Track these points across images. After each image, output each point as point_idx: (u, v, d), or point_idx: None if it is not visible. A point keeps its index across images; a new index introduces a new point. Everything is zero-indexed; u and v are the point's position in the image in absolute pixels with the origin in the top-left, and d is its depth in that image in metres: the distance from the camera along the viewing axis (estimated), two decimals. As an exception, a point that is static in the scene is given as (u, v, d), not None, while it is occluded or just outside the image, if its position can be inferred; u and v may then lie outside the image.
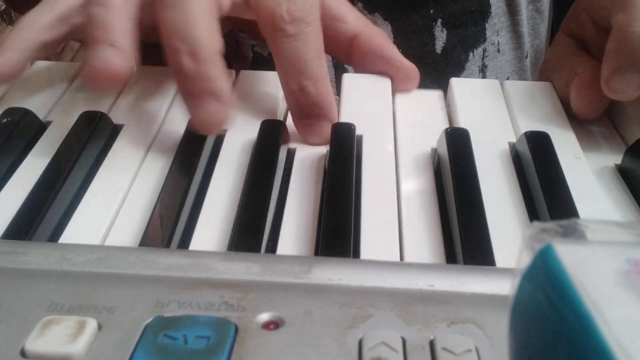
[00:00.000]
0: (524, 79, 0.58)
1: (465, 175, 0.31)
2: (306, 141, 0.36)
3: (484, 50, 0.53)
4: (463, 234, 0.28)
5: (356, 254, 0.28)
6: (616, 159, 0.35)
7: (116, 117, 0.37)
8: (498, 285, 0.23)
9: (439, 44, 0.52)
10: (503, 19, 0.53)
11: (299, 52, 0.34)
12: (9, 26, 1.07)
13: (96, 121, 0.35)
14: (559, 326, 0.14)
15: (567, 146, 0.35)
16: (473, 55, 0.52)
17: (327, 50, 0.43)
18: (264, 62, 0.52)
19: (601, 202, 0.32)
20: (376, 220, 0.30)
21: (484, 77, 0.54)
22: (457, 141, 0.34)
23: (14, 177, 0.32)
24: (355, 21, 0.41)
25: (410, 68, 0.40)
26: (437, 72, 0.52)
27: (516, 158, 0.35)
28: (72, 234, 0.29)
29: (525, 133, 0.35)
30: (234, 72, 0.42)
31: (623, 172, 0.34)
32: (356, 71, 0.43)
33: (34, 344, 0.20)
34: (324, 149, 0.35)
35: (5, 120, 0.35)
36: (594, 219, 0.16)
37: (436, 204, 0.31)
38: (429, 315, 0.22)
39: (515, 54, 0.55)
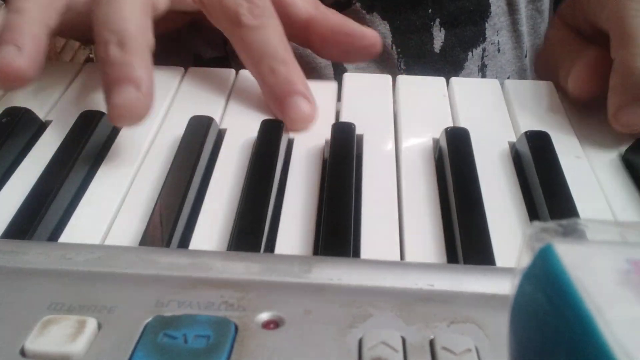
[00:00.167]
0: (524, 79, 0.57)
1: (466, 175, 0.31)
2: (286, 123, 0.36)
3: (484, 50, 0.53)
4: (463, 234, 0.28)
5: (356, 253, 0.28)
6: (621, 149, 0.35)
7: (116, 117, 0.37)
8: (498, 285, 0.23)
9: (438, 44, 0.52)
10: (503, 18, 0.53)
11: (265, 40, 0.36)
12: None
13: (96, 121, 0.35)
14: (559, 326, 0.14)
15: (567, 146, 0.35)
16: (472, 55, 0.52)
17: (287, 37, 0.43)
18: None
19: (602, 202, 0.32)
20: (376, 220, 0.30)
21: (483, 76, 0.54)
22: (457, 141, 0.34)
23: (14, 176, 0.32)
24: (305, 4, 0.41)
25: (371, 34, 0.40)
26: (435, 71, 0.52)
27: (516, 158, 0.35)
28: (72, 233, 0.29)
29: (526, 132, 0.35)
30: (234, 71, 0.42)
31: (628, 164, 0.34)
32: (320, 55, 0.43)
33: (33, 344, 0.20)
34: (322, 140, 0.35)
35: (5, 120, 0.35)
36: (594, 219, 0.16)
37: (437, 203, 0.31)
38: (429, 315, 0.22)
39: (515, 54, 0.55)
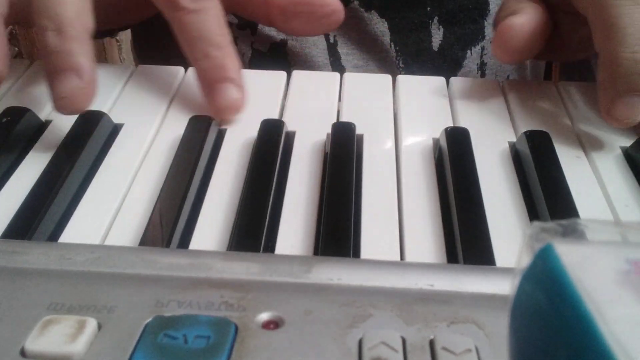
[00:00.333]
0: (524, 77, 0.58)
1: (466, 174, 0.31)
2: (214, 109, 0.35)
3: (483, 48, 0.53)
4: (463, 234, 0.28)
5: (356, 253, 0.28)
6: (622, 147, 0.35)
7: (116, 117, 0.37)
8: (498, 285, 0.23)
9: (436, 42, 0.52)
10: None
11: (202, 24, 0.36)
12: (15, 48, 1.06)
13: (96, 121, 0.35)
14: (559, 326, 0.14)
15: (567, 145, 0.36)
16: (471, 53, 0.52)
17: (248, 15, 0.44)
18: (263, 59, 0.52)
19: (602, 201, 0.32)
20: (376, 220, 0.30)
21: (483, 74, 0.54)
22: (457, 141, 0.34)
23: (14, 176, 0.32)
24: None
25: (332, 1, 0.40)
26: (434, 69, 0.52)
27: (516, 157, 0.35)
28: (71, 233, 0.29)
29: (526, 132, 0.35)
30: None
31: (631, 160, 0.34)
32: (283, 30, 0.42)
33: (33, 344, 0.20)
34: (323, 135, 0.35)
35: (5, 119, 0.35)
36: (594, 219, 0.16)
37: (437, 203, 0.31)
38: (429, 315, 0.22)
39: None
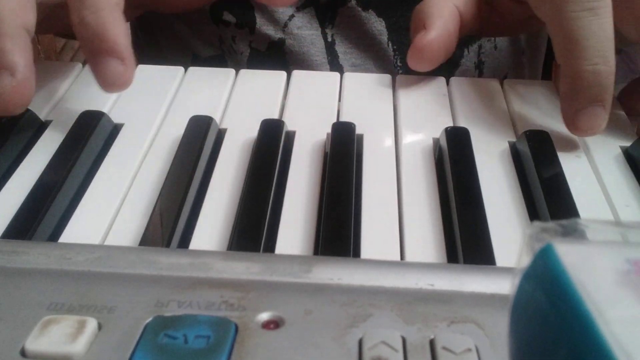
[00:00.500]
0: (521, 76, 0.57)
1: (466, 174, 0.31)
2: (101, 87, 0.32)
3: (480, 47, 0.53)
4: (463, 234, 0.28)
5: (356, 253, 0.28)
6: (622, 146, 0.35)
7: (116, 117, 0.37)
8: (498, 284, 0.23)
9: None
10: None
11: None
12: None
13: (96, 121, 0.35)
14: (559, 326, 0.14)
15: (567, 145, 0.36)
16: (468, 52, 0.52)
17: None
18: (261, 58, 0.52)
19: (602, 201, 0.32)
20: (376, 220, 0.30)
21: (480, 73, 0.54)
22: (457, 140, 0.34)
23: (14, 176, 0.32)
24: None
25: None
26: None
27: (516, 157, 0.35)
28: (72, 233, 0.29)
29: (526, 132, 0.35)
30: (234, 71, 0.42)
31: (631, 158, 0.34)
32: None
33: (33, 344, 0.20)
34: (323, 135, 0.35)
35: (5, 119, 0.35)
36: (594, 219, 0.16)
37: (437, 203, 0.31)
38: (429, 315, 0.22)
39: (512, 50, 0.55)
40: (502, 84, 0.42)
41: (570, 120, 0.34)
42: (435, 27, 0.37)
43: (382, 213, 0.30)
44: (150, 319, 0.21)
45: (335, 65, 0.51)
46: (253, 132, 0.35)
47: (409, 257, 0.28)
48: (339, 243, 0.27)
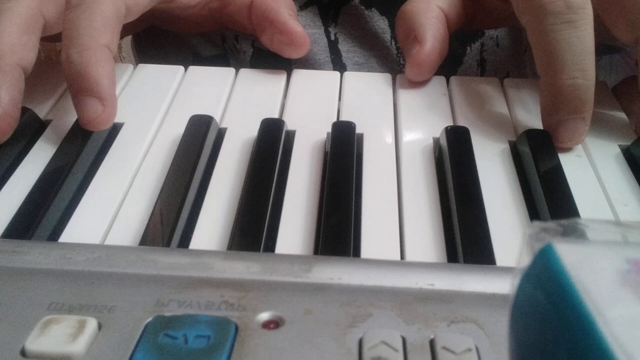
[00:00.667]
0: (524, 74, 0.57)
1: (466, 173, 0.31)
2: (81, 125, 0.33)
3: (482, 45, 0.53)
4: (463, 233, 0.28)
5: (356, 253, 0.28)
6: (622, 146, 0.35)
7: (116, 117, 0.37)
8: (498, 284, 0.23)
9: None
10: None
11: (74, 21, 0.32)
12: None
13: (96, 120, 0.35)
14: (559, 326, 0.14)
15: (567, 145, 0.35)
16: (470, 49, 0.52)
17: (239, 28, 0.44)
18: (264, 57, 0.52)
19: (602, 201, 0.32)
20: (377, 219, 0.30)
21: (482, 71, 0.54)
22: (458, 139, 0.34)
23: (14, 176, 0.32)
24: None
25: (295, 32, 0.40)
26: None
27: (516, 157, 0.35)
28: (72, 233, 0.29)
29: (526, 131, 0.35)
30: (234, 70, 0.42)
31: (632, 157, 0.34)
32: (261, 42, 0.42)
33: (34, 344, 0.20)
34: (323, 135, 0.35)
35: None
36: (594, 219, 0.16)
37: (437, 203, 0.31)
38: (429, 315, 0.22)
39: (514, 49, 0.55)
40: (502, 83, 0.41)
41: (551, 132, 0.35)
42: (428, 39, 0.38)
43: (382, 213, 0.30)
44: (150, 318, 0.21)
45: (338, 63, 0.51)
46: (253, 131, 0.35)
47: (409, 257, 0.28)
48: (339, 243, 0.27)
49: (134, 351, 0.20)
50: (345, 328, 0.21)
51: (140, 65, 0.42)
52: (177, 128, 0.35)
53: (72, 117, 0.35)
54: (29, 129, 0.35)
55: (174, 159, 0.33)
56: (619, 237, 0.16)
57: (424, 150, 0.35)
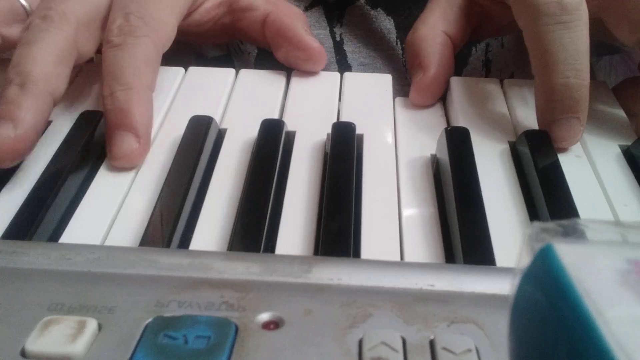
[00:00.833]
0: (528, 75, 0.57)
1: (466, 174, 0.31)
2: (110, 159, 0.33)
3: (487, 45, 0.53)
4: (463, 234, 0.28)
5: (356, 253, 0.28)
6: (622, 146, 0.36)
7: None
8: (498, 285, 0.23)
9: None
10: None
11: (118, 60, 0.34)
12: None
13: (96, 121, 0.35)
14: (559, 326, 0.14)
15: (567, 145, 0.35)
16: (476, 50, 0.52)
17: (252, 41, 0.45)
18: (268, 58, 0.52)
19: (602, 201, 0.32)
20: (376, 220, 0.30)
21: (487, 72, 0.53)
22: (457, 140, 0.34)
23: (14, 177, 0.32)
24: (264, 5, 0.42)
25: (313, 49, 0.40)
26: None
27: (516, 157, 0.35)
28: (72, 233, 0.29)
29: (525, 132, 0.35)
30: (234, 71, 0.42)
31: (632, 157, 0.34)
32: (276, 58, 0.43)
33: (34, 344, 0.20)
34: (323, 135, 0.35)
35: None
36: (594, 219, 0.16)
37: (436, 204, 0.31)
38: (429, 315, 0.22)
39: (519, 50, 0.55)
40: (502, 84, 0.42)
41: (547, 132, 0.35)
42: (432, 66, 0.39)
43: (382, 213, 0.30)
44: (150, 319, 0.21)
45: (343, 64, 0.51)
46: (253, 132, 0.35)
47: (408, 258, 0.28)
48: (339, 243, 0.27)
49: (134, 352, 0.20)
50: (345, 328, 0.21)
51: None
52: (177, 129, 0.35)
53: (73, 118, 0.35)
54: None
55: (174, 160, 0.33)
56: (619, 237, 0.16)
57: (424, 151, 0.35)
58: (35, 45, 0.33)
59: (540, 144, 0.34)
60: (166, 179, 0.31)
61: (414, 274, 0.24)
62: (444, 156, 0.33)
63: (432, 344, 0.21)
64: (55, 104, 0.34)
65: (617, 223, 0.16)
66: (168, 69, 0.41)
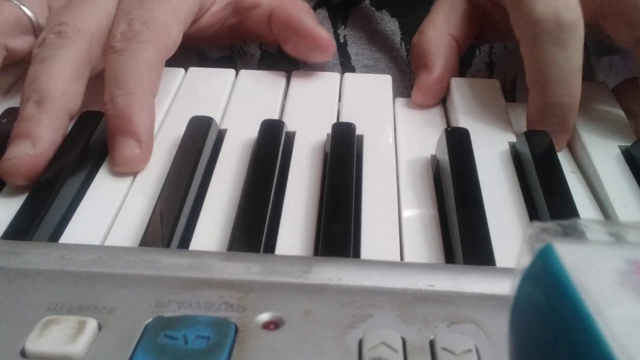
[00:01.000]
0: None
1: (466, 174, 0.31)
2: (111, 165, 0.33)
3: (491, 47, 0.53)
4: (463, 234, 0.28)
5: (356, 253, 0.28)
6: (621, 147, 0.36)
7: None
8: (498, 285, 0.23)
9: None
10: None
11: (120, 65, 0.34)
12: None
13: (96, 121, 0.35)
14: (559, 326, 0.14)
15: (567, 145, 0.35)
16: (479, 52, 0.52)
17: (259, 39, 0.45)
18: (271, 59, 0.52)
19: (602, 201, 0.32)
20: (376, 220, 0.30)
21: (491, 73, 0.53)
22: (458, 141, 0.34)
23: (14, 177, 0.32)
24: (268, 1, 0.42)
25: (320, 37, 0.40)
26: None
27: (516, 158, 0.35)
28: (72, 233, 0.29)
29: (525, 133, 0.35)
30: (234, 71, 0.42)
31: (631, 158, 0.34)
32: (286, 52, 0.43)
33: (34, 344, 0.20)
34: (323, 136, 0.35)
35: (5, 120, 0.35)
36: (594, 219, 0.16)
37: (436, 205, 0.31)
38: (429, 315, 0.22)
39: None
40: (502, 84, 0.42)
41: None
42: (437, 67, 0.39)
43: (381, 213, 0.30)
44: (150, 319, 0.21)
45: (347, 66, 0.51)
46: (253, 132, 0.35)
47: (408, 258, 0.28)
48: (339, 243, 0.27)
49: (133, 352, 0.20)
50: (345, 328, 0.21)
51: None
52: (177, 129, 0.35)
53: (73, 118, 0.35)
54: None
55: (174, 160, 0.33)
56: (619, 237, 0.16)
57: (424, 152, 0.35)
58: (50, 62, 0.33)
59: (541, 144, 0.34)
60: (166, 179, 0.31)
61: (413, 274, 0.24)
62: (444, 157, 0.33)
63: (432, 344, 0.21)
64: (71, 119, 0.34)
65: (617, 223, 0.16)
66: (168, 70, 0.41)
